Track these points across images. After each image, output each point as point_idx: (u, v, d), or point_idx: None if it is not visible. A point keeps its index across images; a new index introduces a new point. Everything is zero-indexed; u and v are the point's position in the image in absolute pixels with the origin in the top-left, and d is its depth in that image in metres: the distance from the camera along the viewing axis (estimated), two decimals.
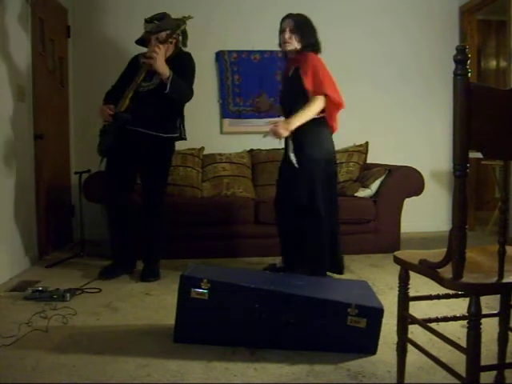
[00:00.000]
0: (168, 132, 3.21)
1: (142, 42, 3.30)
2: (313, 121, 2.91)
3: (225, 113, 4.80)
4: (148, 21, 3.18)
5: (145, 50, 3.30)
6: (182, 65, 3.20)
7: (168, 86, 3.00)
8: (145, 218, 3.26)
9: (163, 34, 3.13)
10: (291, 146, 2.98)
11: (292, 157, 2.97)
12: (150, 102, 3.12)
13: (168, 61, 3.10)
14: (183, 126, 3.32)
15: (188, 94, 3.20)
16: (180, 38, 3.27)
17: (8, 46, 3.31)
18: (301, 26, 2.97)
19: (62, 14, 4.42)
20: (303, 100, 2.91)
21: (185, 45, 3.34)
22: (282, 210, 3.15)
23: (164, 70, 2.99)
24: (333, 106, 2.94)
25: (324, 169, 2.95)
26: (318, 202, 2.91)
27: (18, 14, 3.46)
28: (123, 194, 3.28)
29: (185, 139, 3.35)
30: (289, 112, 3.00)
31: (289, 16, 3.02)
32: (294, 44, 2.97)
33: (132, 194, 3.36)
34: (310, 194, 2.92)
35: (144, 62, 3.06)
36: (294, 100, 2.98)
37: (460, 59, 1.24)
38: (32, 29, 3.65)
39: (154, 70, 3.01)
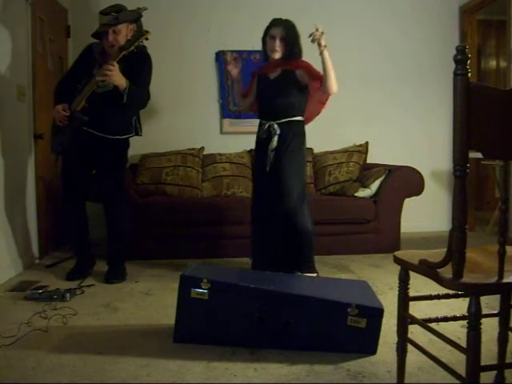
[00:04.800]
0: (124, 133, 3.20)
1: (97, 35, 3.18)
2: (298, 122, 3.10)
3: (225, 113, 4.81)
4: (104, 13, 3.07)
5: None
6: (140, 68, 3.13)
7: (125, 96, 2.98)
8: (106, 218, 3.25)
9: (120, 27, 3.05)
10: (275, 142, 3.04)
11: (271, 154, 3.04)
12: (106, 104, 3.07)
13: (125, 58, 3.03)
14: (139, 123, 3.29)
15: (144, 101, 3.17)
16: (133, 26, 3.14)
17: (8, 46, 3.31)
18: (290, 35, 3.05)
19: (62, 13, 4.42)
20: (296, 99, 3.07)
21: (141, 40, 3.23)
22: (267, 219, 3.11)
23: (121, 82, 2.95)
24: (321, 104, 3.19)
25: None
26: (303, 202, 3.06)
27: (18, 14, 3.46)
28: (81, 193, 3.26)
29: (140, 135, 3.32)
30: (270, 112, 3.09)
31: (279, 23, 3.07)
32: (281, 52, 3.06)
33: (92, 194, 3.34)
34: (295, 199, 3.01)
35: (100, 79, 2.96)
36: (283, 100, 3.05)
37: (460, 59, 1.24)
38: (32, 29, 3.65)
39: (112, 83, 2.96)
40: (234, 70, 3.23)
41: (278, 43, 3.04)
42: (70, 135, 3.11)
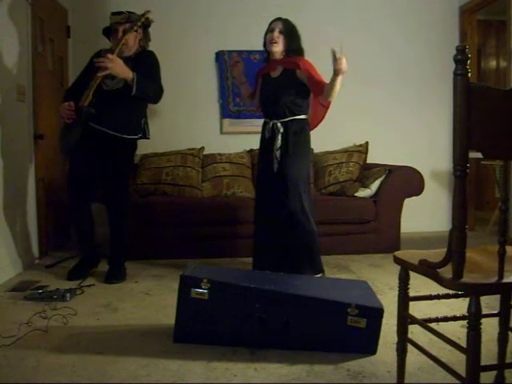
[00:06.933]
0: (133, 133, 3.21)
1: (107, 35, 3.25)
2: (302, 121, 3.08)
3: (225, 113, 4.81)
4: (115, 13, 3.17)
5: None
6: (146, 62, 3.15)
7: (134, 87, 2.95)
8: (109, 218, 3.24)
9: (128, 25, 3.09)
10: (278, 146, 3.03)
11: (276, 159, 3.03)
12: (116, 102, 3.06)
13: (131, 59, 3.06)
14: (147, 126, 3.30)
15: (157, 91, 3.16)
16: (140, 31, 3.19)
17: (8, 46, 3.31)
18: (289, 29, 3.06)
19: (62, 13, 4.42)
20: (298, 97, 3.06)
21: (147, 45, 3.31)
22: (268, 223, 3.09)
23: (126, 73, 2.93)
24: (323, 107, 3.16)
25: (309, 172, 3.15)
26: (307, 207, 3.00)
27: (18, 14, 3.46)
28: (87, 193, 3.24)
29: (148, 138, 3.34)
30: (273, 111, 3.09)
31: (279, 19, 3.10)
32: (280, 45, 3.06)
33: (95, 192, 3.33)
34: (300, 199, 2.98)
35: (99, 74, 2.95)
36: (286, 98, 3.04)
37: (460, 59, 1.25)
38: (32, 29, 3.65)
39: (116, 76, 2.96)
40: (234, 72, 3.29)
41: (276, 34, 3.04)
42: (79, 132, 3.10)
